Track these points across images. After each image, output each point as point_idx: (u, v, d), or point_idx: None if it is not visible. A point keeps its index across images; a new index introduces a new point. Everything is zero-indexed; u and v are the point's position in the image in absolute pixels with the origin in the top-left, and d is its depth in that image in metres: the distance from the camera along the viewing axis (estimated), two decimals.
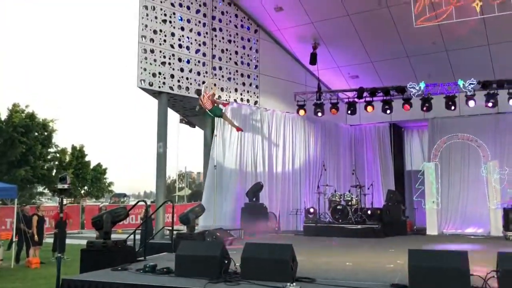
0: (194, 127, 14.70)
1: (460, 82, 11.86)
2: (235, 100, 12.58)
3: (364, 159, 14.68)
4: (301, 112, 13.27)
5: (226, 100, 12.29)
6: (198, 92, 10.84)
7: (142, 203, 10.02)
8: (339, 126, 14.80)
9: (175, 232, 8.37)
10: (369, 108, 12.77)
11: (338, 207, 11.36)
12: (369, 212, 11.32)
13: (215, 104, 10.64)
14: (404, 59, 12.78)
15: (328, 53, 13.28)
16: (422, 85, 12.10)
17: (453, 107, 12.03)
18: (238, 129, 11.38)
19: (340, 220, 11.24)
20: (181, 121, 13.00)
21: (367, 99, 12.77)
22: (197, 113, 11.09)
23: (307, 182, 13.72)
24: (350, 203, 11.45)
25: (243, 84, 12.93)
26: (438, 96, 12.23)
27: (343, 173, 14.40)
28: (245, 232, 10.82)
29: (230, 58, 12.67)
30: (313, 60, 12.86)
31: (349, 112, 12.95)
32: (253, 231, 10.83)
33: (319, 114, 13.09)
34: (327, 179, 13.50)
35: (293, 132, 13.64)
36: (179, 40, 11.64)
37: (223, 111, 11.10)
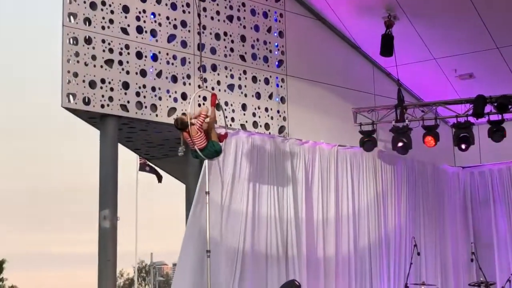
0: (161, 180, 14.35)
1: None
2: (242, 127, 12.38)
3: (492, 230, 14.58)
4: (368, 145, 13.18)
5: (228, 126, 11.92)
6: (181, 122, 10.31)
7: None
8: (440, 169, 14.88)
9: None
10: (496, 135, 12.69)
11: None
12: None
13: (212, 138, 10.36)
14: None
15: (416, 34, 13.18)
16: None
17: None
18: (222, 137, 11.11)
19: None
20: (142, 168, 12.79)
21: (493, 118, 12.70)
22: (179, 155, 10.76)
23: (384, 276, 13.53)
24: None
25: (257, 96, 12.79)
26: None
27: (453, 259, 14.35)
28: None
29: (231, 50, 12.53)
30: (388, 47, 12.71)
31: (459, 143, 12.85)
32: None
33: (402, 147, 12.98)
34: (422, 269, 13.54)
35: (352, 181, 13.56)
36: (137, 19, 11.52)
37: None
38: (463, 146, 12.97)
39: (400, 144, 12.94)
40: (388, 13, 12.76)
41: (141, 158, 14.19)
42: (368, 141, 13.13)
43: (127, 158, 15.04)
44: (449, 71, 13.78)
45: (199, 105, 11.66)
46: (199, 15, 11.88)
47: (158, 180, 13.83)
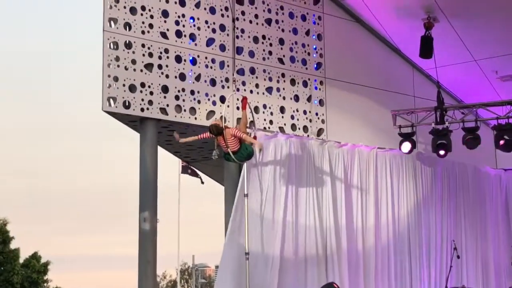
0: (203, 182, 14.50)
1: None
2: (280, 129, 12.42)
3: None
4: (406, 146, 13.15)
5: (266, 128, 12.09)
6: (217, 128, 10.34)
7: None
8: (482, 172, 14.75)
9: None
10: None
11: None
12: None
13: (245, 141, 10.36)
14: None
15: (455, 36, 13.10)
16: None
17: None
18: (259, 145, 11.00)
19: None
20: (184, 170, 12.80)
21: None
22: (214, 160, 10.83)
23: (424, 278, 13.48)
24: None
25: (296, 98, 12.82)
26: None
27: (495, 263, 14.26)
28: None
29: (270, 53, 12.60)
30: (427, 49, 12.69)
31: (500, 145, 12.76)
32: None
33: (442, 150, 12.91)
34: (463, 273, 13.55)
35: (392, 184, 13.54)
36: (176, 23, 11.65)
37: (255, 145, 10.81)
38: (501, 142, 12.83)
39: (440, 146, 12.92)
40: (427, 15, 12.72)
41: (181, 160, 14.22)
42: (406, 143, 13.09)
43: (169, 161, 15.16)
44: (489, 72, 13.69)
45: (238, 108, 11.77)
46: (233, 20, 12.08)
47: (201, 182, 13.85)
